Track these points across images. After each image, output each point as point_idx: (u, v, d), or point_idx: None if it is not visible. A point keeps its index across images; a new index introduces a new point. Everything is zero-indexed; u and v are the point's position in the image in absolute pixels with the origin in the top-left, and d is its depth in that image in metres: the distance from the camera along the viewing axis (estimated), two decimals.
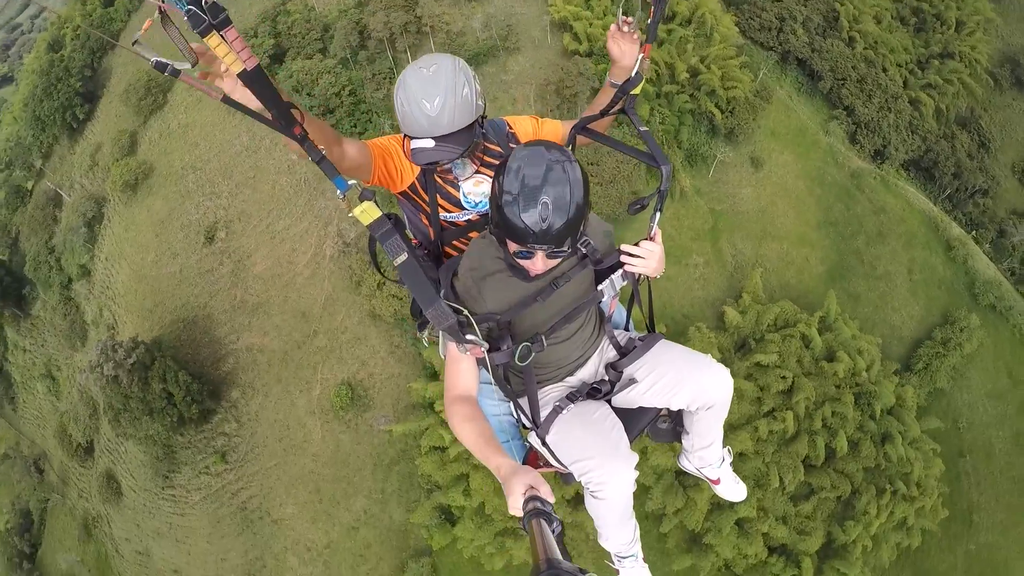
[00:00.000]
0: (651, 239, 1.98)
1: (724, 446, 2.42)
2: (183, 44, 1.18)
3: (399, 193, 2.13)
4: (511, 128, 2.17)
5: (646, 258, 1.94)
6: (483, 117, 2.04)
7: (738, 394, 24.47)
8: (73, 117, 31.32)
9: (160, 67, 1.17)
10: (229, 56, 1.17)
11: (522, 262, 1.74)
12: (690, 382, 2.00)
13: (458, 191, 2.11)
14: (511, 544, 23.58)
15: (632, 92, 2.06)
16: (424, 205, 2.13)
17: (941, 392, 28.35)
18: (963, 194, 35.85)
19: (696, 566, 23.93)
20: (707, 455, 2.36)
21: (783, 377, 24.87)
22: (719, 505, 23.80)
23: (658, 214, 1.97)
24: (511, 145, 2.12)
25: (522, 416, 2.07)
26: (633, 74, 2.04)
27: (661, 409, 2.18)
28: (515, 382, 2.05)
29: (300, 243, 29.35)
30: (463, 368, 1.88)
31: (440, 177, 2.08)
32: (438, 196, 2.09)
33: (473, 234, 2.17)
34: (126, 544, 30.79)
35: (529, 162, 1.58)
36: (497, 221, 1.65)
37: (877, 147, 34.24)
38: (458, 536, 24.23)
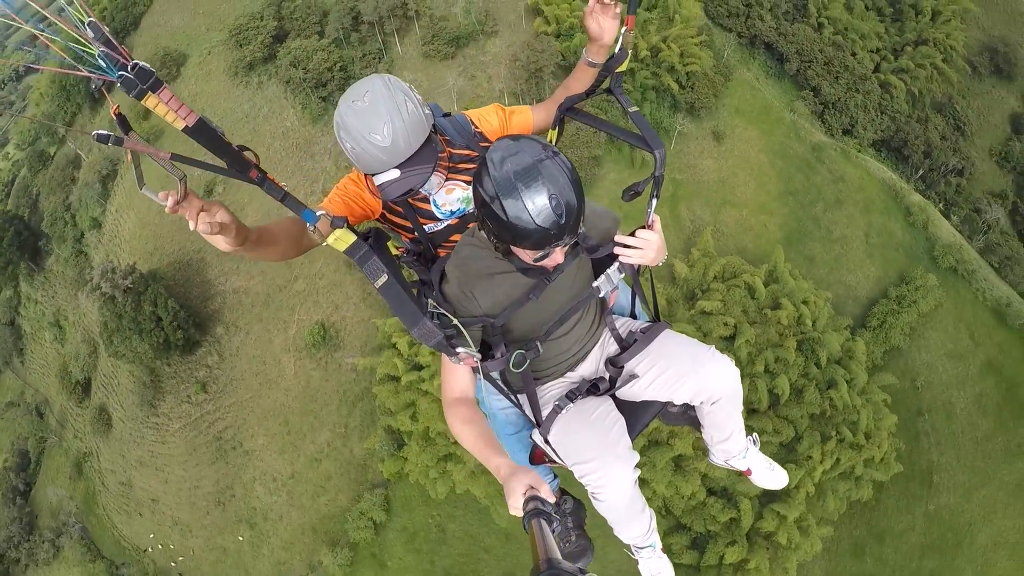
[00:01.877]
0: (648, 227, 1.92)
1: (749, 435, 2.40)
2: (172, 168, 1.29)
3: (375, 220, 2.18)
4: (477, 127, 2.14)
5: (643, 248, 1.88)
6: (444, 114, 2.10)
7: None
8: (96, 88, 37.47)
9: (102, 139, 1.22)
10: (169, 115, 1.24)
11: (541, 264, 1.74)
12: (692, 377, 1.99)
13: (430, 204, 2.10)
14: (452, 468, 26.16)
15: (617, 70, 2.01)
16: (403, 232, 2.18)
17: (898, 351, 30.11)
18: (936, 174, 38.20)
19: None
20: (729, 447, 2.35)
21: (725, 324, 27.38)
22: (656, 441, 25.99)
23: (655, 200, 1.91)
24: (482, 144, 2.10)
25: (526, 411, 2.13)
26: (617, 49, 1.98)
27: (666, 402, 2.17)
28: (514, 378, 2.08)
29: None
30: (459, 370, 1.91)
31: (411, 199, 2.06)
32: (418, 216, 2.12)
33: (456, 236, 2.16)
34: (111, 476, 34.53)
35: (519, 166, 1.55)
36: (505, 237, 1.62)
37: (844, 126, 37.24)
38: (405, 458, 27.03)
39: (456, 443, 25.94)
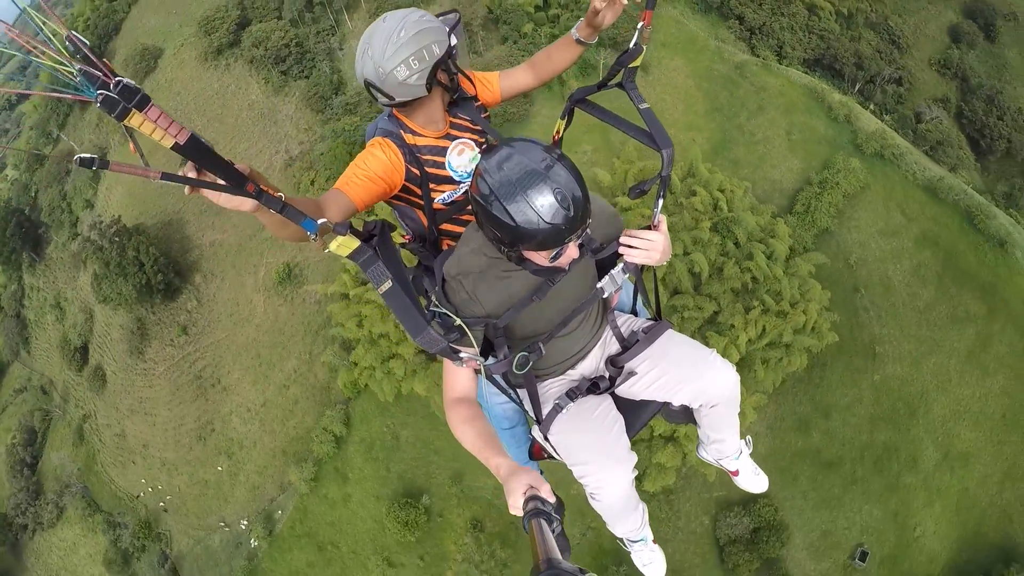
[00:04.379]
0: (654, 227, 2.13)
1: (742, 438, 2.70)
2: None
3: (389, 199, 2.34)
4: (478, 99, 2.46)
5: (648, 249, 2.07)
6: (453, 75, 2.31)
7: None
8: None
9: (85, 163, 1.20)
10: (157, 132, 1.24)
11: (556, 263, 1.88)
12: (693, 381, 2.20)
13: (446, 169, 2.33)
14: (396, 368, 30.47)
15: (631, 65, 2.19)
16: (417, 199, 2.36)
17: (828, 233, 33.51)
18: (873, 86, 42.26)
19: None
20: (723, 448, 2.65)
21: (642, 215, 31.65)
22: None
23: (661, 200, 2.12)
24: (483, 116, 2.44)
25: (526, 406, 2.30)
26: (632, 45, 2.14)
27: (664, 403, 2.35)
28: (516, 377, 2.22)
29: (255, 160, 40.37)
30: (460, 371, 2.05)
31: (428, 164, 2.30)
32: (430, 183, 2.31)
33: (463, 216, 2.41)
34: (107, 431, 40.07)
35: (517, 168, 1.69)
36: (516, 243, 1.75)
37: (773, 48, 42.04)
38: (356, 363, 31.60)
39: (399, 344, 30.52)
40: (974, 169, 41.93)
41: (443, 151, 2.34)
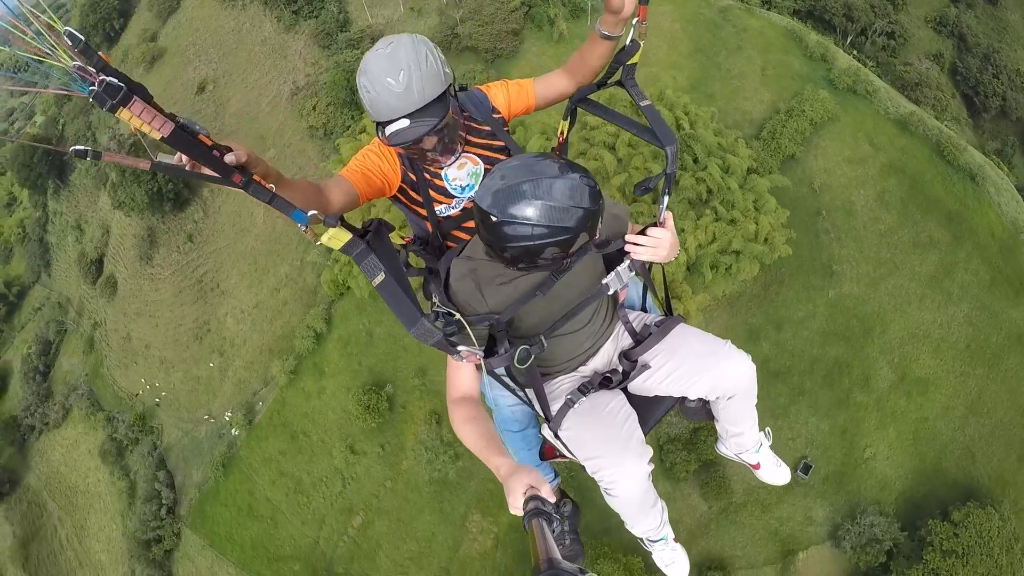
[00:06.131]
0: (660, 224, 2.25)
1: (761, 429, 2.82)
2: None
3: (391, 197, 2.50)
4: (492, 103, 2.58)
5: (654, 247, 2.20)
6: (461, 88, 2.45)
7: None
8: (111, 28, 53.31)
9: (80, 154, 1.40)
10: (144, 127, 1.37)
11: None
12: (708, 372, 2.32)
13: (442, 180, 2.44)
14: None
15: (629, 62, 2.33)
16: (417, 207, 2.51)
17: (794, 160, 36.79)
18: (865, 38, 45.49)
19: None
20: (743, 441, 2.78)
21: (608, 132, 35.77)
22: None
23: (666, 197, 2.25)
24: (494, 116, 2.56)
25: (535, 407, 2.41)
26: (628, 42, 2.28)
27: (679, 398, 2.49)
28: (521, 374, 2.34)
29: (265, 90, 46.36)
30: (463, 369, 2.20)
31: (427, 171, 2.42)
32: (430, 191, 2.45)
33: (468, 224, 2.53)
34: (115, 335, 45.92)
35: (551, 182, 1.84)
36: (578, 244, 1.94)
37: None
38: (337, 260, 36.35)
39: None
40: (966, 124, 44.50)
41: (441, 163, 2.50)
